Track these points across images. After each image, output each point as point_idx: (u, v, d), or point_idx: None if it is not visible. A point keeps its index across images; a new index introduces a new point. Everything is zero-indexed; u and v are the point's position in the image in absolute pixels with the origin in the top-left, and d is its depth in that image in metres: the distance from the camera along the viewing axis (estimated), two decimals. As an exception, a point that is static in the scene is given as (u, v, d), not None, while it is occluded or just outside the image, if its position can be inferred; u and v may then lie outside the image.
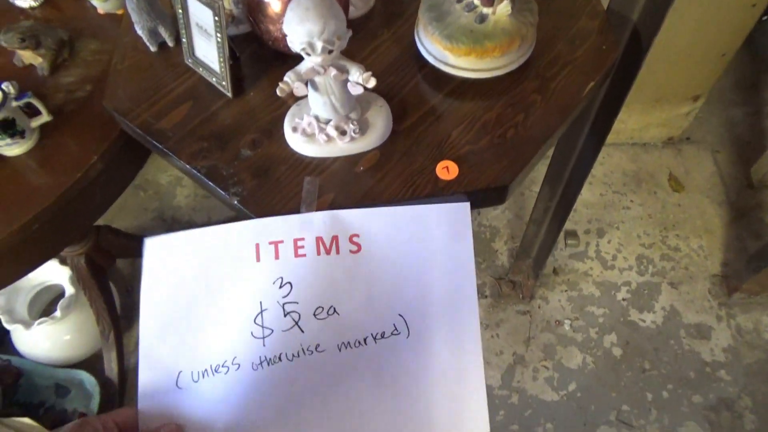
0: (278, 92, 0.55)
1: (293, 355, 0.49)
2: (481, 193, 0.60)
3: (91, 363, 1.28)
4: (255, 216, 0.58)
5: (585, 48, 0.69)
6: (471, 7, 0.62)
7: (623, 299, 1.43)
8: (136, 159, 0.76)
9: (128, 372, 1.30)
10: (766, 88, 1.79)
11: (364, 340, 0.50)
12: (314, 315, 0.50)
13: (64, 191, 0.66)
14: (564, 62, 0.68)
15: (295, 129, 0.61)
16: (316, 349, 0.50)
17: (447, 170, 0.60)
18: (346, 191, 0.59)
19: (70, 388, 1.22)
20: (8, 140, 0.66)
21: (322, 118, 0.60)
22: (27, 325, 1.16)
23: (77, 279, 1.16)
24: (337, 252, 0.51)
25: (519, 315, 1.41)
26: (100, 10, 0.79)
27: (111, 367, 1.25)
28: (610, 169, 1.64)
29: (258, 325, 0.49)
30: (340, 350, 0.50)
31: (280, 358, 0.49)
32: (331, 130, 0.60)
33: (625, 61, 0.72)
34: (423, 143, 0.62)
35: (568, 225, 1.52)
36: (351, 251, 0.52)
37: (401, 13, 0.75)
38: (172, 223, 1.54)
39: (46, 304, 1.34)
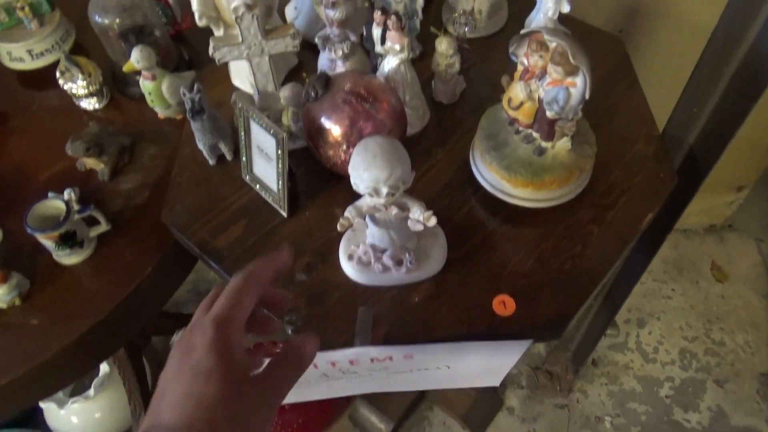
0: (339, 228, 0.55)
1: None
2: (538, 329, 0.59)
3: (120, 441, 1.27)
4: (309, 348, 0.57)
5: (642, 175, 0.68)
6: (530, 140, 0.62)
7: (666, 396, 1.37)
8: (187, 265, 0.77)
9: (156, 453, 1.28)
10: (811, 176, 1.75)
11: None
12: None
13: (119, 302, 0.67)
14: (621, 190, 0.67)
15: (350, 257, 0.61)
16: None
17: (504, 305, 0.59)
18: (400, 324, 0.59)
19: (98, 468, 1.21)
20: (67, 250, 0.67)
21: (378, 247, 0.60)
22: (61, 403, 1.16)
23: (113, 358, 1.16)
24: (390, 360, 0.56)
25: (557, 409, 1.36)
26: (160, 115, 0.82)
27: (139, 447, 1.23)
28: (649, 256, 1.60)
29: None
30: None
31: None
32: (387, 259, 0.59)
33: (678, 185, 0.71)
34: (478, 273, 0.62)
35: (608, 314, 1.48)
36: (405, 356, 0.56)
37: (455, 129, 0.75)
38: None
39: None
